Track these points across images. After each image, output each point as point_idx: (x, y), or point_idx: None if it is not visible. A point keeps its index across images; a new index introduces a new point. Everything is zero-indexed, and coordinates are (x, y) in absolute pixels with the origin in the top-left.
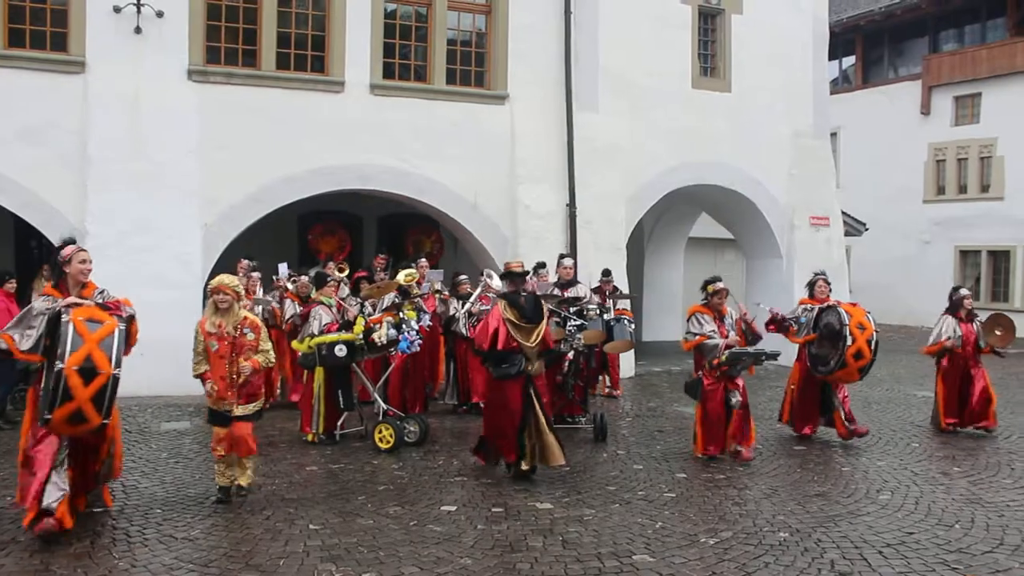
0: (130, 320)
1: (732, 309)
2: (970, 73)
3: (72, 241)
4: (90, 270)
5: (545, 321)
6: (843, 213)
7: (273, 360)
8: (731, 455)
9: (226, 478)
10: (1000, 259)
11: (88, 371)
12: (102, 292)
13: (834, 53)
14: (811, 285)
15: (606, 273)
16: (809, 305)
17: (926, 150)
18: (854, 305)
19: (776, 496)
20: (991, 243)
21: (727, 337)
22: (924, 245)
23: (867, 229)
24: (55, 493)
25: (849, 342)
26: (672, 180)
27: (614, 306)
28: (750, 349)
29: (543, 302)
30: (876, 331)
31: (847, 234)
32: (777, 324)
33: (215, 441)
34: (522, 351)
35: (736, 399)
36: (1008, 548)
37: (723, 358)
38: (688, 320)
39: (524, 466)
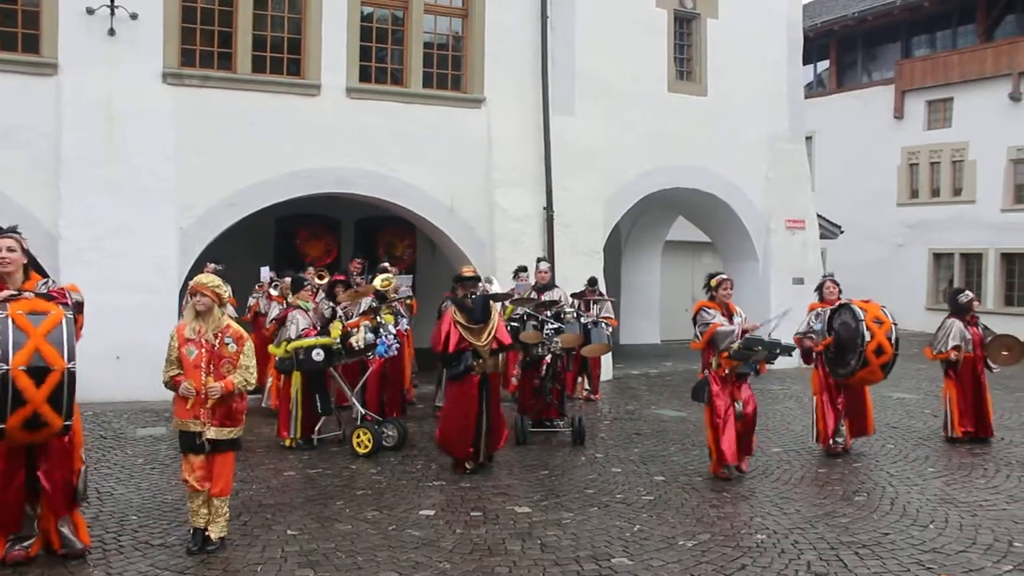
0: (78, 308)
1: (741, 310)
2: (942, 78)
3: (12, 230)
4: (9, 259)
5: (495, 319)
6: (819, 216)
7: (253, 383)
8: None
9: (202, 517)
10: (972, 261)
11: (38, 370)
12: (46, 283)
13: (808, 58)
14: (820, 288)
15: (592, 282)
16: (820, 309)
17: (899, 154)
18: (867, 301)
19: (753, 498)
20: (963, 246)
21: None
22: (898, 248)
23: (842, 232)
24: (23, 539)
25: (868, 338)
26: (649, 183)
27: (599, 313)
28: (765, 338)
29: (521, 305)
30: (895, 324)
31: (822, 237)
32: (805, 353)
33: (186, 471)
34: (476, 351)
35: (740, 409)
36: (981, 547)
37: (735, 347)
38: (694, 317)
39: (468, 465)
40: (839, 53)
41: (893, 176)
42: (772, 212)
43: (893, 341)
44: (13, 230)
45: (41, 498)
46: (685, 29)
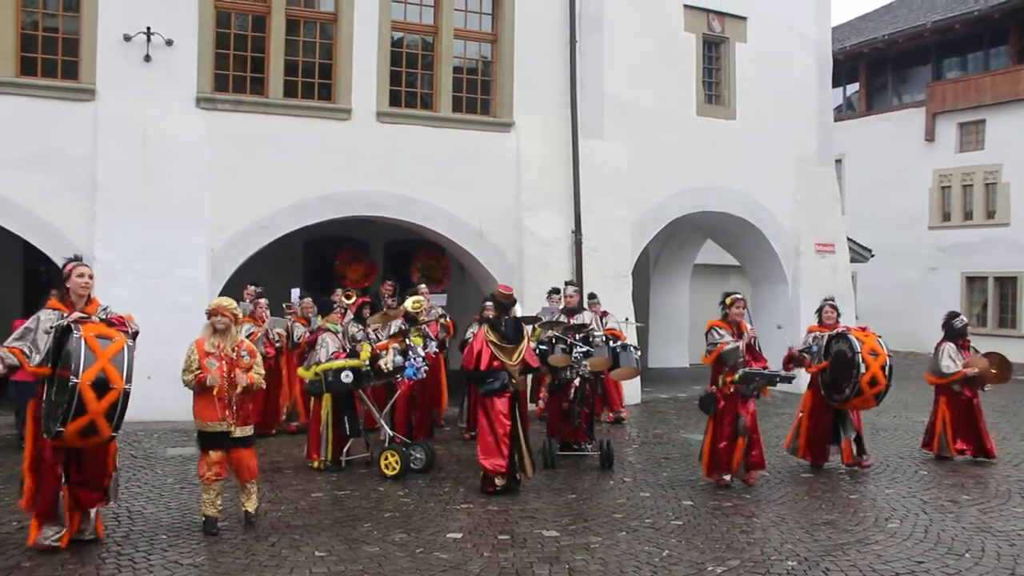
0: (135, 336)
1: (751, 328)
2: (974, 100)
3: (77, 259)
4: (88, 285)
5: (525, 341)
6: (849, 240)
7: (263, 384)
8: (738, 478)
9: (215, 507)
10: (1007, 285)
11: (101, 385)
12: (105, 308)
13: (838, 80)
14: (819, 311)
15: (591, 296)
16: (818, 333)
17: (931, 176)
18: (864, 330)
19: (784, 524)
20: (998, 269)
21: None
22: (930, 271)
23: (873, 256)
24: (54, 528)
25: (863, 370)
26: (677, 206)
27: (603, 326)
28: (763, 371)
29: (551, 328)
30: (890, 356)
31: (853, 260)
32: (794, 361)
33: (206, 466)
34: (505, 369)
35: (743, 423)
36: None
37: (736, 376)
38: (706, 334)
39: (499, 483)
40: (869, 76)
41: (925, 199)
42: (801, 235)
43: (887, 373)
44: (77, 259)
45: (72, 492)
46: (713, 53)
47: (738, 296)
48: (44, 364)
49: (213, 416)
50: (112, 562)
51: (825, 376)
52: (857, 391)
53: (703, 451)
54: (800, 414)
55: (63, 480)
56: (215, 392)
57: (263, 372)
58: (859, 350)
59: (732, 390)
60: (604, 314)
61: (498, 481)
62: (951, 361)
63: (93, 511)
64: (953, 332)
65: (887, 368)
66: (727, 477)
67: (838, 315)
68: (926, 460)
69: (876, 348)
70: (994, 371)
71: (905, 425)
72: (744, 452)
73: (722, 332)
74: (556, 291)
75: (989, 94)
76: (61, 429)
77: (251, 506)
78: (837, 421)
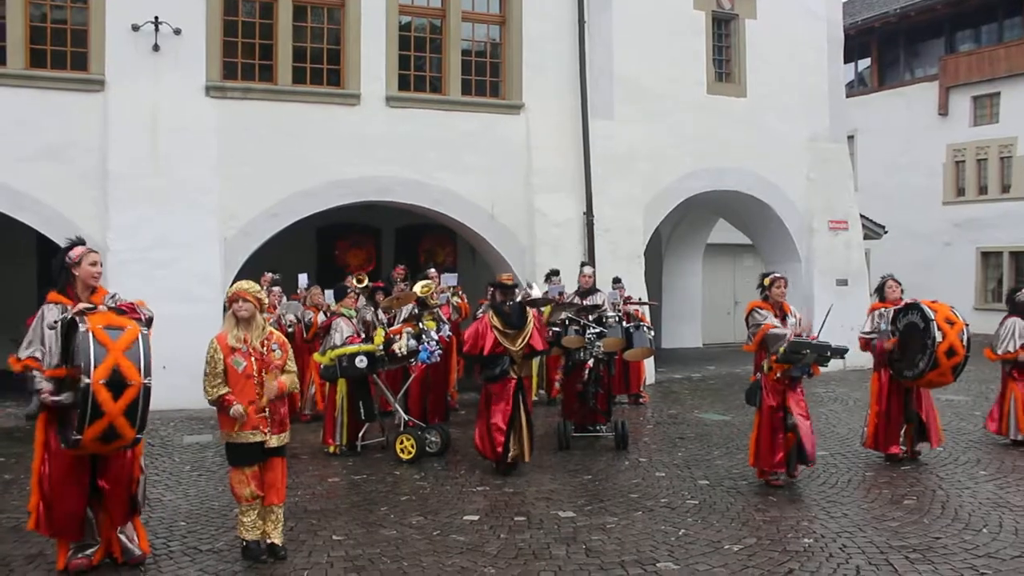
0: (148, 323)
1: (796, 310)
2: (988, 73)
3: (81, 242)
4: (100, 273)
5: (530, 326)
6: (862, 216)
7: (298, 385)
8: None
9: (258, 529)
10: (1022, 260)
11: (117, 383)
12: (113, 296)
13: (849, 56)
14: (880, 288)
15: (616, 280)
16: (883, 309)
17: (945, 151)
18: (935, 302)
19: (800, 502)
20: (1013, 244)
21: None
22: (944, 247)
23: (886, 232)
24: (85, 547)
25: (939, 339)
26: (689, 186)
27: (620, 309)
28: (813, 341)
29: (564, 310)
30: (967, 324)
31: (866, 237)
32: (876, 354)
33: (241, 484)
34: (509, 355)
35: (792, 420)
36: None
37: (782, 350)
38: (746, 319)
39: (509, 459)
40: (881, 50)
41: (938, 174)
42: (814, 213)
43: (965, 342)
44: (81, 242)
45: (102, 506)
46: (723, 30)
47: (778, 275)
48: (58, 366)
49: (245, 426)
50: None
51: (895, 353)
52: (933, 363)
53: (751, 449)
54: (875, 406)
55: (88, 494)
56: (236, 427)
57: (295, 369)
58: (933, 318)
59: (779, 374)
60: (628, 298)
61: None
62: (1015, 338)
63: (130, 527)
64: (1016, 307)
65: (965, 337)
66: (780, 479)
67: (902, 289)
68: (943, 436)
69: (951, 316)
70: None
71: None
72: (795, 447)
73: (764, 312)
74: (555, 273)
75: (1004, 66)
76: (78, 437)
77: (277, 537)
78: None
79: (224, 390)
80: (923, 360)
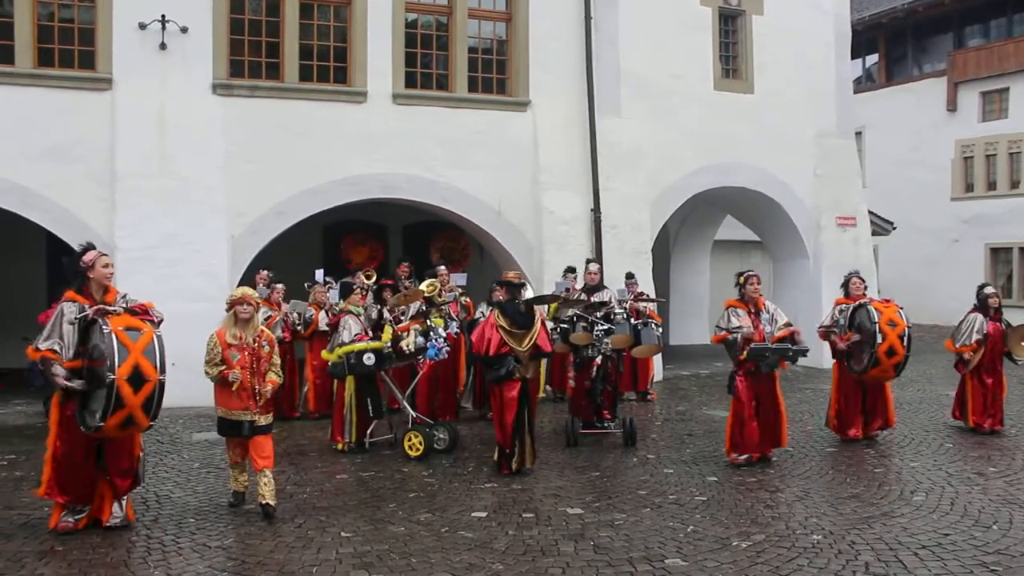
0: (158, 325)
1: (771, 305)
2: (997, 68)
3: (92, 247)
4: (112, 273)
5: (537, 326)
6: (870, 212)
7: (282, 376)
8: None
9: (241, 483)
10: None
11: (137, 379)
12: (124, 297)
13: (857, 51)
14: (845, 284)
15: (629, 276)
16: (844, 305)
17: (953, 147)
18: (886, 302)
19: (808, 499)
20: (1022, 240)
21: (760, 331)
22: (953, 243)
23: (895, 228)
24: (75, 512)
25: (879, 340)
26: (696, 182)
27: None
28: (772, 345)
29: (571, 306)
30: (909, 326)
31: (874, 233)
32: (827, 338)
33: (231, 447)
34: (515, 355)
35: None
36: None
37: (745, 355)
38: (722, 316)
39: (513, 466)
40: (888, 46)
41: (947, 170)
42: (822, 209)
43: (906, 343)
44: (92, 247)
45: (105, 479)
46: (730, 26)
47: (751, 273)
48: (75, 358)
49: (236, 405)
50: (142, 545)
51: (848, 349)
52: (875, 362)
53: (726, 432)
54: (834, 390)
55: (95, 465)
56: (234, 388)
57: (279, 362)
58: (876, 320)
59: (751, 369)
60: (640, 294)
61: (514, 464)
62: (973, 332)
63: (124, 498)
64: (980, 303)
65: (905, 338)
66: (742, 457)
67: (865, 287)
68: (951, 433)
69: (895, 319)
70: (1023, 343)
71: (929, 398)
72: (766, 431)
73: (735, 315)
74: (572, 270)
75: (1012, 61)
76: (101, 424)
77: (269, 497)
78: (865, 394)
79: (223, 366)
80: (867, 358)
